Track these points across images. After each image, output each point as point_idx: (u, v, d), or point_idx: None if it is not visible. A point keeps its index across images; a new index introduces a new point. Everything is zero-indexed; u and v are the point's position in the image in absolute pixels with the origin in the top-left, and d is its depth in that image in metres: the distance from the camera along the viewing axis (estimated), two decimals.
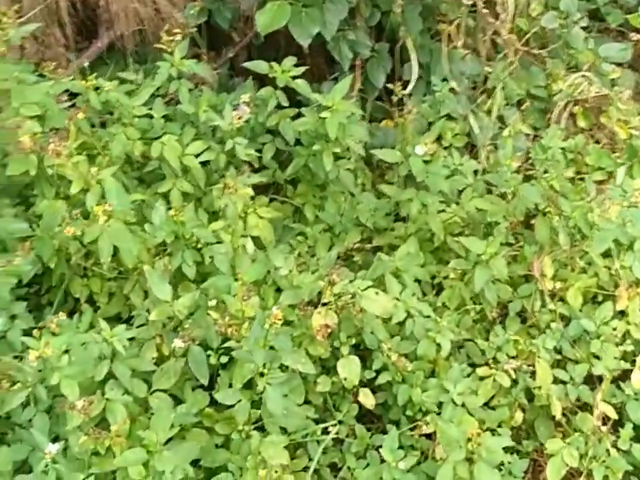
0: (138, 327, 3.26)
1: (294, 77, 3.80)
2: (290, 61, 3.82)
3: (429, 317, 3.35)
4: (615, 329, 3.36)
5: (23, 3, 4.11)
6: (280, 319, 2.73)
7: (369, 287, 3.17)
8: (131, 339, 3.16)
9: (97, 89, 3.66)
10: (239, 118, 3.46)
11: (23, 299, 3.58)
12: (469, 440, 2.85)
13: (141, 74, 3.94)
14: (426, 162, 3.71)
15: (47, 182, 3.42)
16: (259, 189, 4.03)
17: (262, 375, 2.88)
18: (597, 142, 4.62)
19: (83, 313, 3.37)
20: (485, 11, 4.17)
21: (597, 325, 3.39)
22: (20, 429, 3.03)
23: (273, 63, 3.81)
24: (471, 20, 4.45)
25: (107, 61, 4.46)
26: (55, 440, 3.00)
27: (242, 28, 4.55)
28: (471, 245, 3.44)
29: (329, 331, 3.07)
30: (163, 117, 3.81)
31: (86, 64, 4.24)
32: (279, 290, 3.36)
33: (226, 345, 3.02)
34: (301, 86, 3.79)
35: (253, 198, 3.77)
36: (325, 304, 3.13)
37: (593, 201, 3.58)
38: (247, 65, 3.87)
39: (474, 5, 4.31)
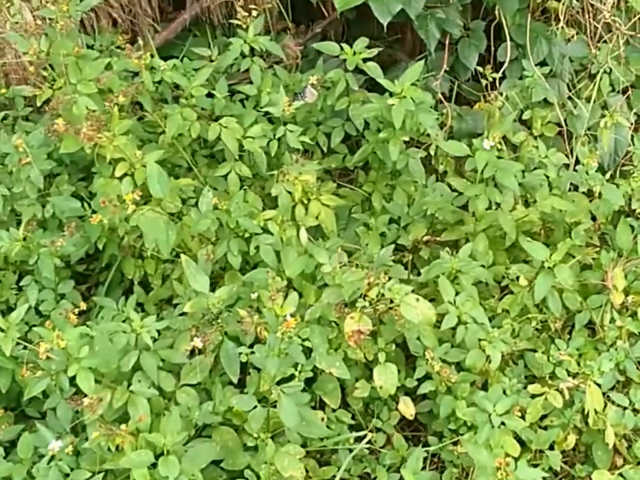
0: (179, 315, 3.13)
1: (365, 60, 3.55)
2: (362, 42, 3.56)
3: (483, 324, 3.07)
4: None
5: None
6: (293, 327, 2.53)
7: (410, 292, 2.92)
8: (166, 329, 3.05)
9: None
10: (289, 105, 3.22)
11: (81, 275, 3.56)
12: (498, 468, 2.58)
13: (215, 50, 3.77)
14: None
15: (105, 160, 3.32)
16: (329, 173, 3.83)
17: (278, 383, 2.69)
18: None
19: (131, 295, 3.28)
20: None
21: None
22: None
23: (344, 45, 3.57)
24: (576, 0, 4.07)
25: (196, 33, 4.33)
26: (83, 429, 2.94)
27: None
28: (533, 250, 3.13)
29: (362, 337, 2.85)
30: (231, 96, 3.66)
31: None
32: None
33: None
34: (372, 69, 3.53)
35: (322, 182, 3.60)
36: (363, 307, 2.91)
37: None
38: (316, 45, 3.65)
39: None
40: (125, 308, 3.15)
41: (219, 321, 2.98)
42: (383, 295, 2.90)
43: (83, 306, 2.91)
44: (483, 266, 3.32)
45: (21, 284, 3.25)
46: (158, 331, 2.93)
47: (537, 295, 3.10)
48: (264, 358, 2.60)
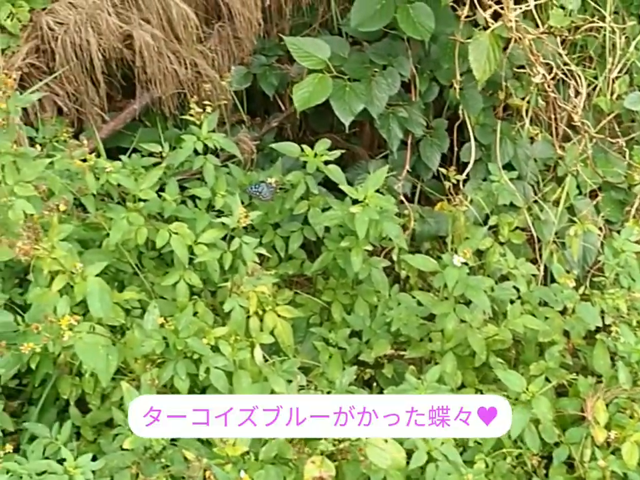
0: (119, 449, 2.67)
1: (327, 162, 3.18)
2: (323, 144, 3.20)
3: (454, 462, 2.66)
4: None
5: (56, 59, 3.59)
6: None
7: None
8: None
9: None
10: (246, 216, 2.79)
11: (12, 390, 3.10)
12: None
13: (166, 144, 3.37)
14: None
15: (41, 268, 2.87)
16: (285, 281, 3.43)
17: None
18: None
19: (66, 415, 2.83)
20: (553, 95, 3.45)
21: None
22: None
23: (305, 146, 3.20)
24: (541, 100, 3.75)
25: (146, 123, 3.92)
26: None
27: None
28: (509, 379, 2.74)
29: None
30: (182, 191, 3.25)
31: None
32: None
33: None
34: (334, 173, 3.16)
35: (278, 289, 3.21)
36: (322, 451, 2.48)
37: None
38: (274, 146, 3.27)
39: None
40: (58, 435, 2.71)
41: (163, 459, 2.53)
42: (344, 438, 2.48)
43: (9, 448, 2.45)
44: (452, 390, 2.93)
45: None
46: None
47: (513, 431, 2.69)
48: None
